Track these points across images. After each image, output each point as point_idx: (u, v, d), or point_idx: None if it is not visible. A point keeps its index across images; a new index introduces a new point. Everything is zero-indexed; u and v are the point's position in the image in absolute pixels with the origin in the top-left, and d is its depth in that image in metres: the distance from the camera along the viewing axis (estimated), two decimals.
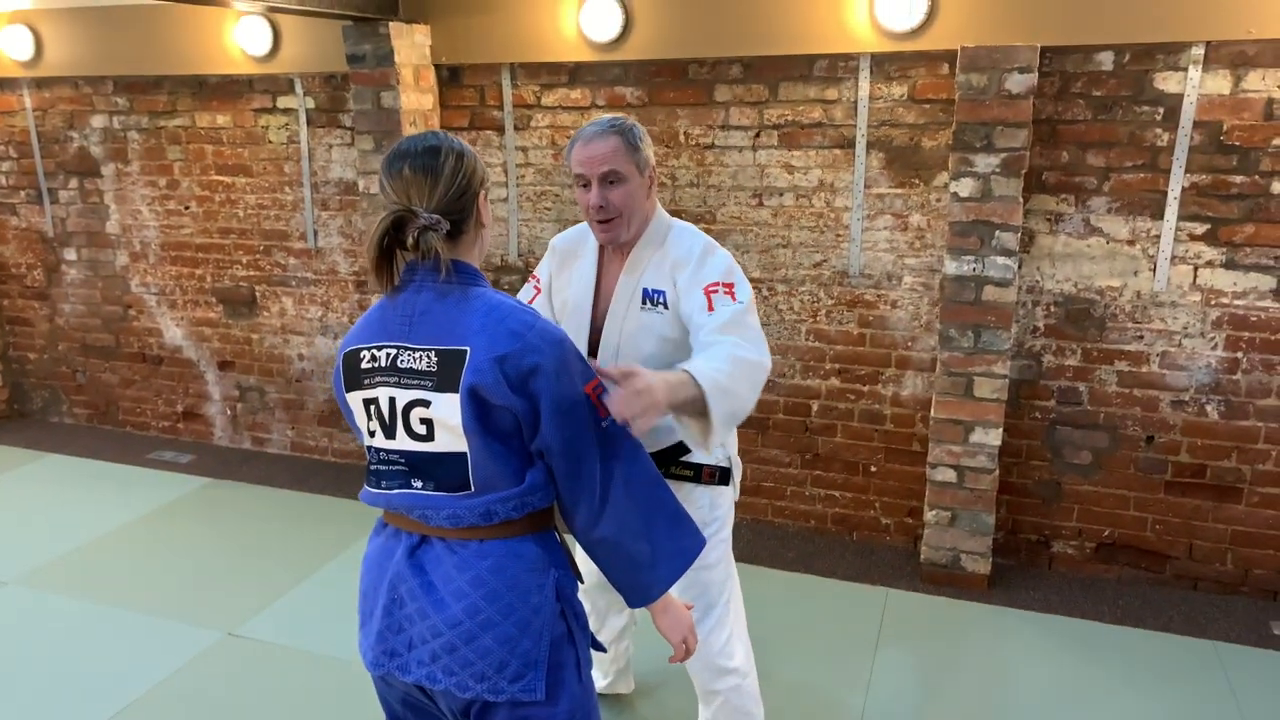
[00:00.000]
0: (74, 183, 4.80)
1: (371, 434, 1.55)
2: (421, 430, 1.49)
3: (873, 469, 3.73)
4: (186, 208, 4.60)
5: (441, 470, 1.49)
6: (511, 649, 1.46)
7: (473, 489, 1.48)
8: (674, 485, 2.00)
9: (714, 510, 2.10)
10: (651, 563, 1.56)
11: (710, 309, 1.86)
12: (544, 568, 1.52)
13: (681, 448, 2.07)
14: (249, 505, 4.15)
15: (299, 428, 4.69)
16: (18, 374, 5.29)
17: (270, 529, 3.90)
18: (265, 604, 3.31)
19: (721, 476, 2.10)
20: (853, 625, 3.19)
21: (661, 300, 1.97)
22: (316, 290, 4.47)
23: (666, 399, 1.52)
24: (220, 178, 4.49)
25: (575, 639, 1.56)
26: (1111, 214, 3.22)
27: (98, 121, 4.65)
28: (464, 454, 1.47)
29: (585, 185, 1.92)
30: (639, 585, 1.58)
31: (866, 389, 3.66)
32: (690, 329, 1.91)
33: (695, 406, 1.63)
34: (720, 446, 2.12)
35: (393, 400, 1.49)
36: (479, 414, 1.45)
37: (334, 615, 3.25)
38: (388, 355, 1.50)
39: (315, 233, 4.38)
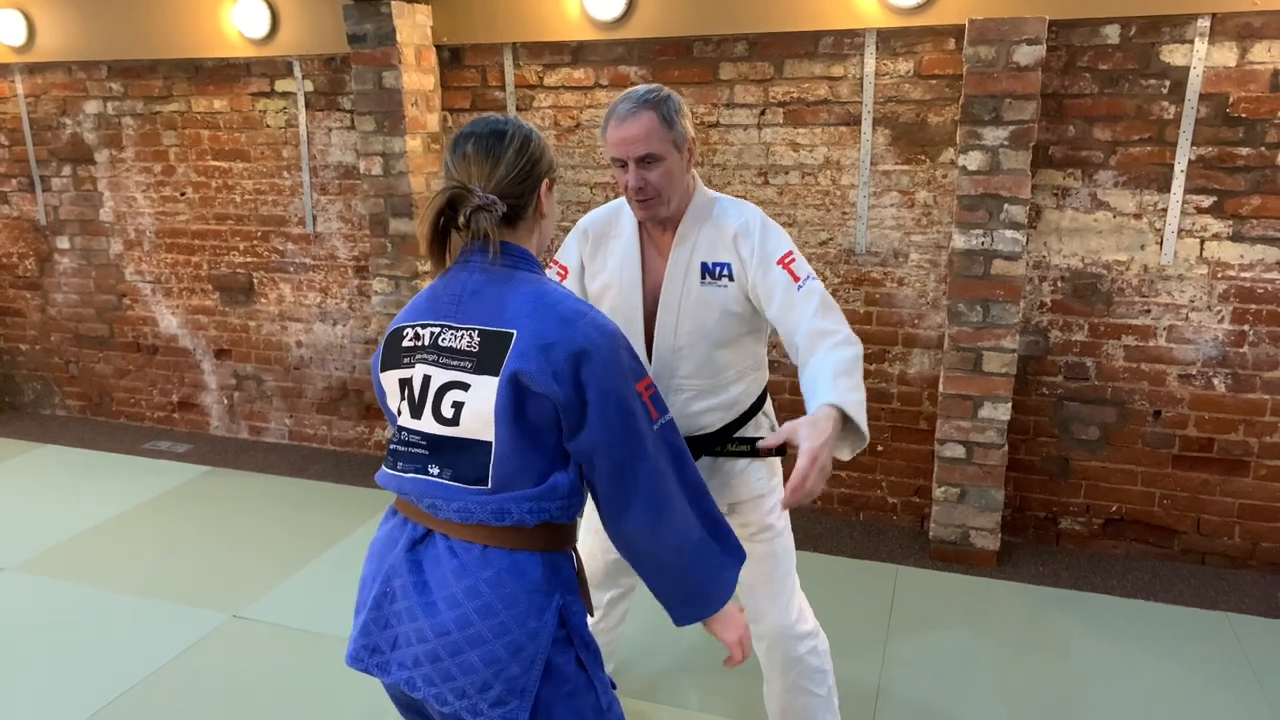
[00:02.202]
0: (67, 170, 4.74)
1: (399, 413, 1.50)
2: (449, 413, 1.42)
3: (879, 448, 3.72)
4: (182, 194, 4.55)
5: (463, 458, 1.41)
6: (497, 672, 1.36)
7: (490, 485, 1.40)
8: (730, 462, 2.03)
9: (771, 479, 2.08)
10: (710, 577, 1.50)
11: (796, 280, 1.85)
12: (549, 590, 1.41)
13: (733, 426, 2.04)
14: (249, 493, 4.10)
15: (297, 416, 4.64)
16: (9, 366, 5.22)
17: (271, 516, 3.85)
18: (269, 587, 3.27)
19: (776, 449, 2.07)
20: (864, 603, 3.17)
21: (726, 272, 1.92)
22: (315, 276, 4.43)
23: (830, 456, 1.59)
24: (217, 163, 4.44)
25: (588, 670, 1.45)
26: (1118, 188, 3.23)
27: (91, 107, 4.60)
28: (489, 444, 1.39)
29: (623, 165, 1.86)
30: (695, 600, 1.52)
31: (873, 368, 3.65)
32: (776, 303, 1.87)
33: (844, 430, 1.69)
34: (765, 416, 2.12)
35: (427, 379, 1.44)
36: (515, 402, 1.38)
37: (338, 598, 3.21)
38: (431, 334, 1.46)
39: (314, 218, 4.34)
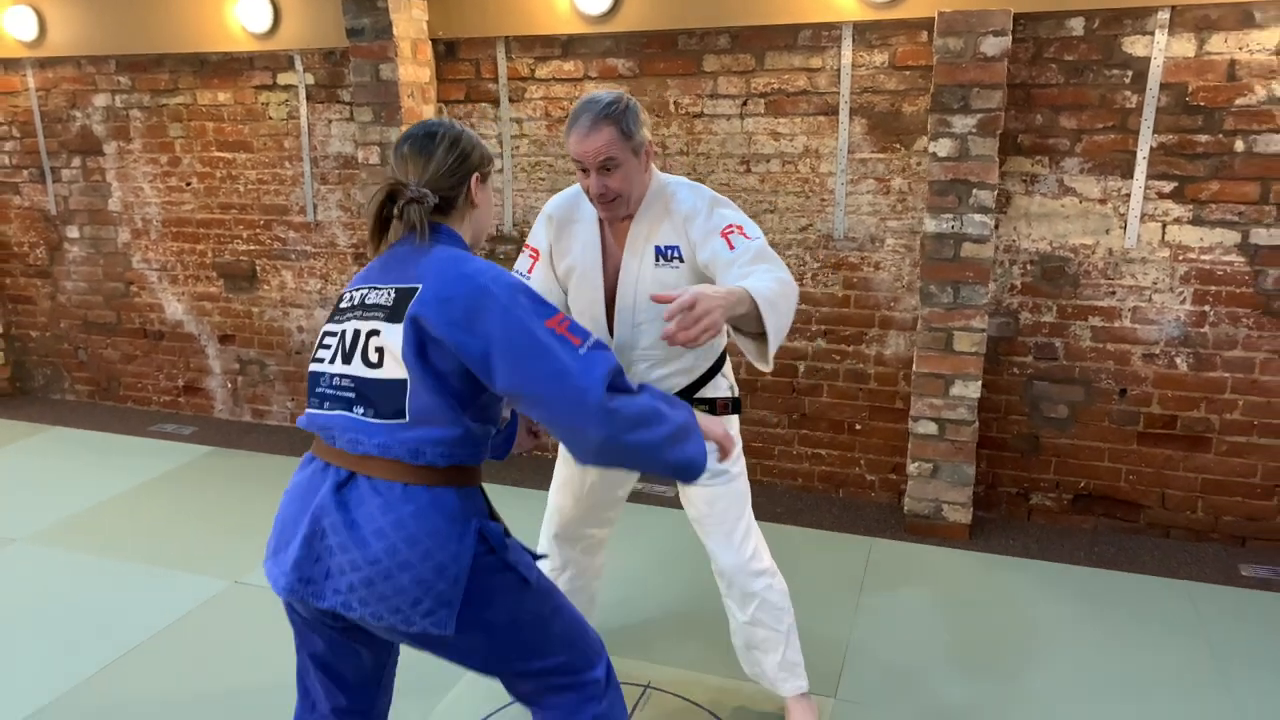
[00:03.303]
0: (76, 161, 4.90)
1: (320, 360, 1.69)
2: (374, 358, 1.61)
3: (858, 427, 3.86)
4: (188, 184, 4.71)
5: (383, 395, 1.59)
6: (426, 589, 1.53)
7: (407, 419, 1.57)
8: None
9: (730, 431, 2.23)
10: (681, 443, 1.63)
11: (732, 247, 1.99)
12: (465, 517, 1.59)
13: (692, 388, 2.20)
14: (251, 471, 4.25)
15: (299, 399, 4.79)
16: (20, 352, 5.38)
17: (272, 492, 3.96)
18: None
19: (733, 406, 2.24)
20: (837, 571, 3.31)
21: (676, 255, 2.08)
22: (316, 263, 4.58)
23: (725, 313, 1.70)
24: (221, 154, 4.60)
25: (508, 561, 1.63)
26: (1084, 174, 3.36)
27: (100, 100, 4.75)
28: (404, 380, 1.57)
29: (583, 171, 2.03)
30: (683, 470, 1.65)
31: (851, 349, 3.79)
32: (716, 270, 2.01)
33: (750, 322, 1.82)
34: (723, 377, 2.27)
35: (356, 332, 1.64)
36: (418, 344, 1.56)
37: None
38: (360, 295, 1.67)
39: (314, 206, 4.49)
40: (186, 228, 4.77)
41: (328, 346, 1.69)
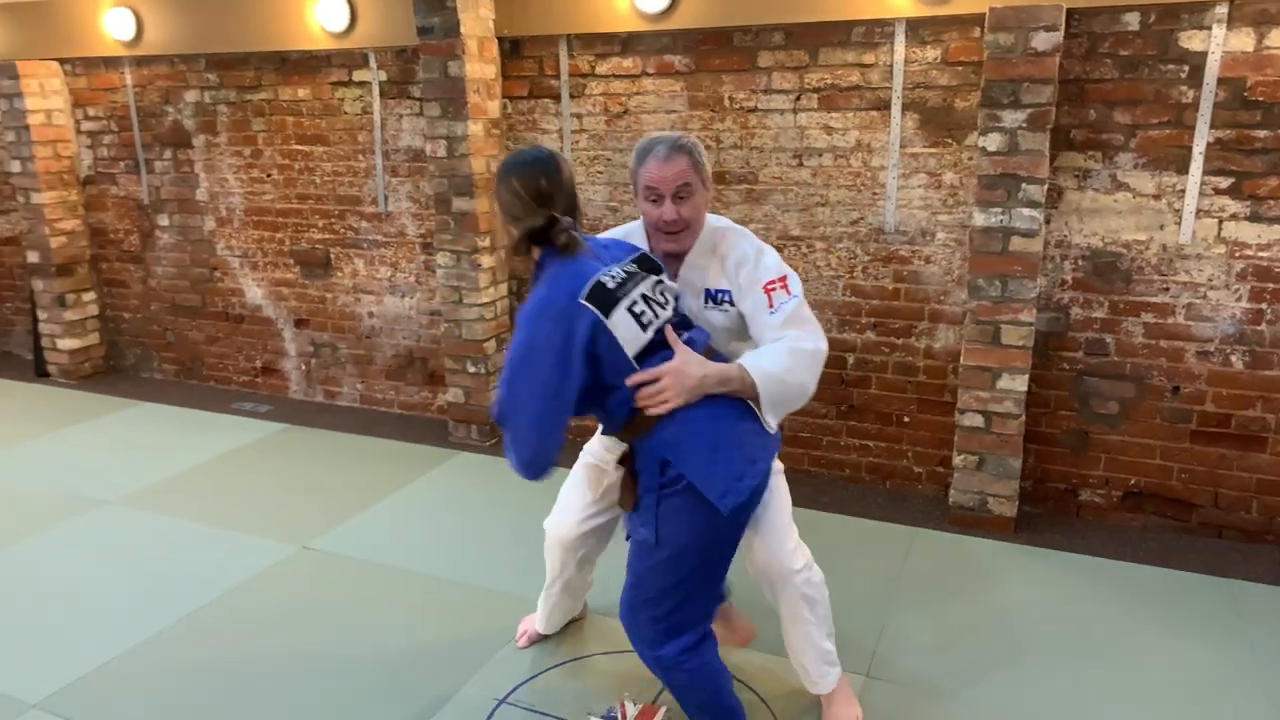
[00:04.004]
0: (168, 154, 5.21)
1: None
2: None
3: (906, 419, 3.90)
4: (268, 175, 4.97)
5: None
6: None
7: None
8: None
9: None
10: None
11: (771, 306, 2.16)
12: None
13: None
14: (321, 447, 4.49)
15: (368, 381, 5.02)
16: (114, 332, 5.74)
17: (340, 466, 4.23)
18: (336, 524, 3.63)
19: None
20: (879, 558, 3.36)
21: (727, 299, 2.24)
22: (386, 252, 4.79)
23: (688, 396, 1.98)
24: (299, 147, 4.85)
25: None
26: (1138, 169, 3.35)
27: (190, 96, 5.05)
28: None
29: (655, 200, 2.16)
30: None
31: (900, 342, 3.83)
32: (752, 323, 2.21)
33: (750, 394, 2.05)
34: None
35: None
36: None
37: (396, 535, 3.56)
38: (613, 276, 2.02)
39: (385, 197, 4.70)
40: (266, 217, 5.04)
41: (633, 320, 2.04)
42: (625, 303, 1.98)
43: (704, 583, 2.11)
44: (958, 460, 3.59)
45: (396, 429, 4.72)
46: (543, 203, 1.99)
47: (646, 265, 2.10)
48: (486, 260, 4.34)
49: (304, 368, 5.19)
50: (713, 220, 2.28)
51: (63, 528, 3.63)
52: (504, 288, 4.50)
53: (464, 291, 4.36)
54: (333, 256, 4.93)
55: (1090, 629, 2.90)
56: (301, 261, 5.03)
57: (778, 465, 2.37)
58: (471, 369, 4.45)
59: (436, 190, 4.29)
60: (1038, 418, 3.65)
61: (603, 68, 4.09)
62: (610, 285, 1.97)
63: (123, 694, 2.62)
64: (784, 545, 2.28)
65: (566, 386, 1.93)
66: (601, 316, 1.95)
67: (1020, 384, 3.44)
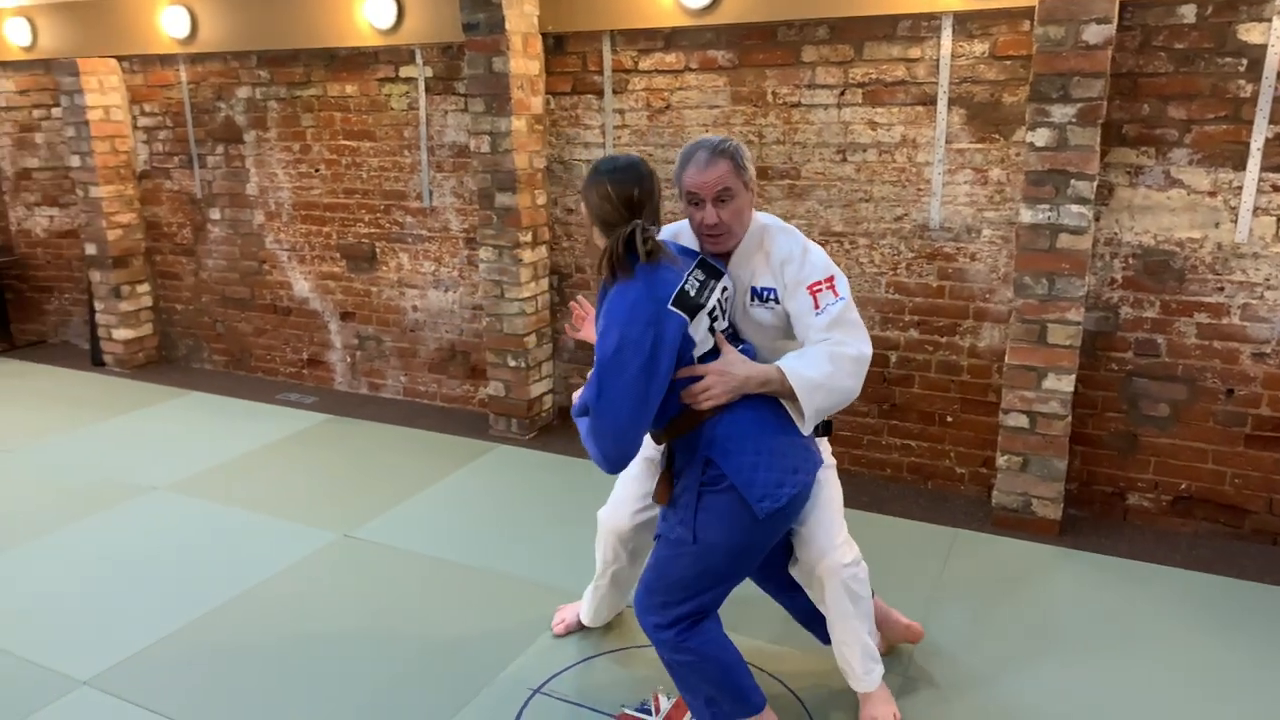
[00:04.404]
0: (220, 149, 5.32)
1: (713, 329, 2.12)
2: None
3: (949, 419, 3.84)
4: (316, 170, 5.06)
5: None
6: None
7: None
8: None
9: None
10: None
11: (817, 307, 2.16)
12: None
13: None
14: (365, 437, 4.55)
15: (411, 374, 5.08)
16: (166, 324, 5.88)
17: (383, 456, 4.29)
18: (377, 513, 3.68)
19: (823, 428, 2.34)
20: (919, 557, 3.32)
21: (772, 297, 2.24)
22: (430, 246, 4.85)
23: (731, 395, 2.04)
24: (347, 142, 4.92)
25: None
26: (1193, 166, 3.27)
27: (242, 93, 5.16)
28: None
29: (697, 204, 2.18)
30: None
31: (944, 340, 3.78)
32: (797, 324, 2.20)
33: (789, 396, 2.09)
34: None
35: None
36: None
37: (436, 525, 3.59)
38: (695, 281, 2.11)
39: (430, 193, 4.76)
40: (314, 211, 5.13)
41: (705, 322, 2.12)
42: (707, 308, 2.07)
43: (723, 580, 2.15)
44: (1001, 461, 3.54)
45: (438, 421, 4.78)
46: (633, 211, 2.04)
47: (710, 271, 2.15)
48: (528, 255, 4.37)
49: (349, 360, 5.27)
50: (760, 218, 2.28)
51: (114, 512, 3.72)
52: (545, 283, 4.53)
53: (505, 286, 4.39)
54: (378, 251, 5.00)
55: (1138, 636, 2.84)
56: (347, 255, 5.10)
57: (830, 459, 2.37)
58: (512, 363, 4.48)
59: (480, 186, 4.33)
60: (1084, 419, 3.58)
61: (646, 63, 4.09)
62: (692, 292, 2.05)
63: (167, 674, 2.68)
64: (833, 539, 2.27)
65: (654, 387, 1.99)
66: (689, 320, 2.02)
67: (1066, 384, 3.37)
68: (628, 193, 2.04)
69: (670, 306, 2.00)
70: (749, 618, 2.84)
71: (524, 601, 3.03)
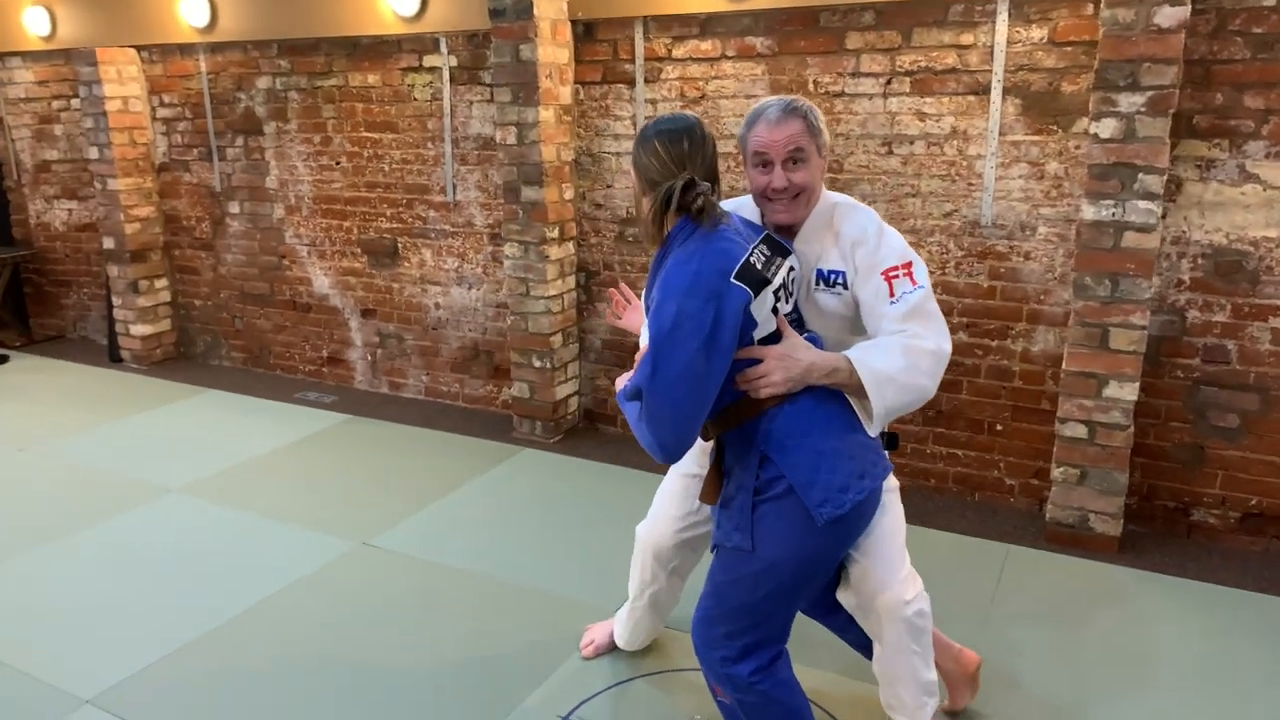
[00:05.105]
0: (240, 141, 5.19)
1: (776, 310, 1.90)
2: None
3: (998, 427, 3.63)
4: (337, 163, 4.91)
5: None
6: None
7: None
8: None
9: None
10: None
11: (892, 296, 1.92)
12: None
13: None
14: (385, 439, 4.40)
15: (433, 373, 4.93)
16: (184, 319, 5.76)
17: (403, 459, 4.13)
18: (397, 520, 3.52)
19: (887, 440, 2.12)
20: (970, 577, 3.12)
21: (840, 280, 2.00)
22: (454, 242, 4.69)
23: (793, 385, 1.83)
24: (369, 134, 4.77)
25: None
26: (1270, 159, 3.04)
27: (262, 83, 5.02)
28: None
29: (764, 166, 1.95)
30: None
31: (995, 344, 3.57)
32: (868, 314, 1.97)
33: (856, 391, 1.87)
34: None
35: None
36: None
37: (458, 533, 3.43)
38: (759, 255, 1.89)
39: (454, 186, 4.60)
40: (335, 205, 4.98)
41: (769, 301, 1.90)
42: (774, 284, 1.86)
43: (790, 601, 1.93)
44: (1057, 473, 3.32)
45: (460, 422, 4.62)
46: (682, 166, 1.84)
47: (775, 248, 1.93)
48: (555, 252, 4.20)
49: (369, 358, 5.12)
50: (830, 195, 2.06)
51: (126, 516, 3.59)
52: (571, 280, 4.35)
53: (531, 284, 4.23)
54: (400, 246, 4.85)
55: (1209, 662, 2.63)
56: (369, 251, 4.95)
57: (892, 482, 2.14)
58: (537, 363, 4.31)
59: (505, 179, 4.16)
60: (1146, 429, 3.36)
61: (680, 51, 3.91)
62: (759, 265, 1.83)
63: (174, 693, 2.53)
64: (895, 573, 2.04)
65: (715, 367, 1.77)
66: (753, 296, 1.81)
67: (1130, 392, 3.16)
68: (678, 148, 1.84)
69: (733, 280, 1.79)
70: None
71: (550, 618, 2.86)
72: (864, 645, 2.28)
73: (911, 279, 1.94)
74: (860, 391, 1.87)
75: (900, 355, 1.86)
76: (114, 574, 3.16)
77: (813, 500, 1.81)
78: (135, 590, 3.06)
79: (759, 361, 1.85)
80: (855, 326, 2.05)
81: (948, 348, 1.93)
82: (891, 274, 1.93)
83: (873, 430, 1.93)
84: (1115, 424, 3.20)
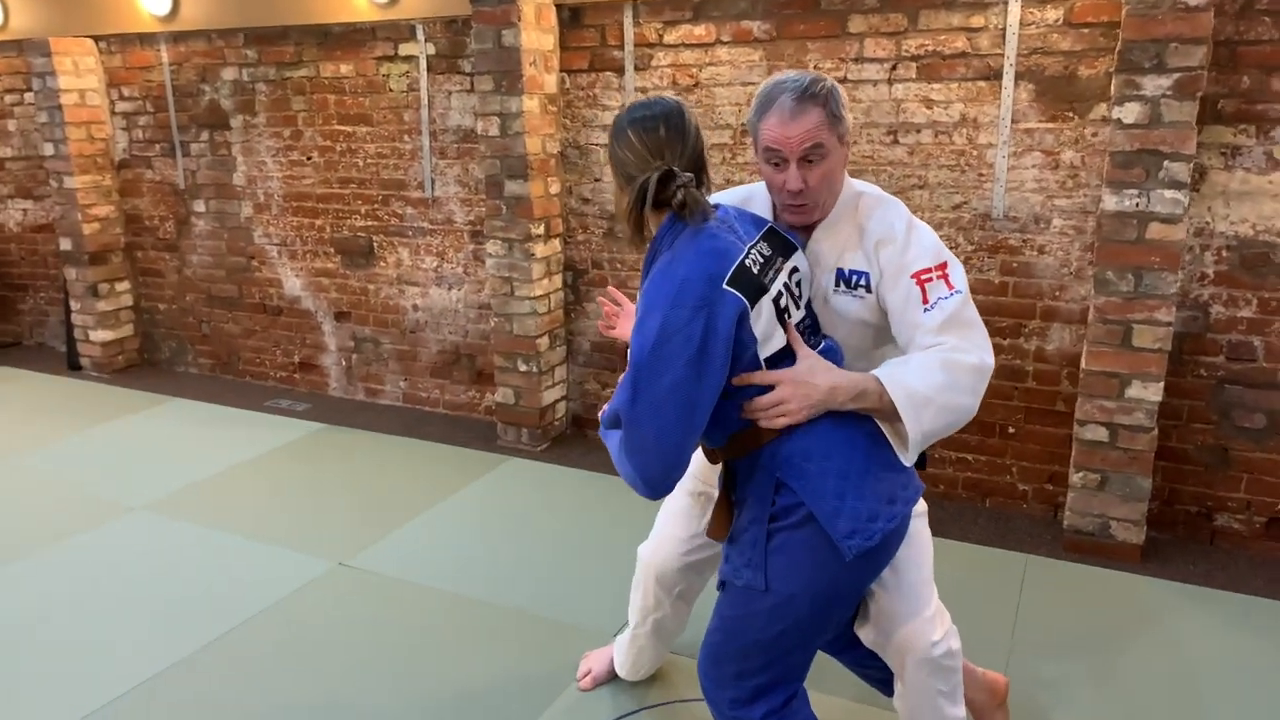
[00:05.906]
0: (205, 135, 4.93)
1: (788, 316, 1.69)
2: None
3: (1011, 430, 3.46)
4: (308, 158, 4.66)
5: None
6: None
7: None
8: None
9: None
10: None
11: (925, 302, 1.69)
12: None
13: None
14: (362, 449, 4.16)
15: (411, 379, 4.69)
16: (148, 324, 5.49)
17: (382, 472, 3.90)
18: (376, 539, 3.29)
19: (918, 460, 1.87)
20: (990, 591, 2.94)
21: (863, 283, 1.77)
22: (432, 240, 4.46)
23: (812, 413, 1.61)
24: (341, 127, 4.53)
25: None
26: None
27: (228, 74, 4.76)
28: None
29: (777, 163, 1.71)
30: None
31: (1007, 343, 3.39)
32: (897, 322, 1.74)
33: (888, 415, 1.64)
34: None
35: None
36: None
37: (440, 552, 3.21)
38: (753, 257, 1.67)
39: (432, 181, 4.37)
40: (306, 203, 4.73)
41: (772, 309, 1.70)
42: (771, 292, 1.62)
43: (809, 638, 1.71)
44: (1075, 479, 3.15)
45: (442, 430, 4.39)
46: (660, 156, 1.63)
47: (779, 245, 1.71)
48: (540, 249, 3.98)
49: (344, 363, 4.88)
50: (854, 184, 1.82)
51: (87, 537, 3.33)
52: (558, 280, 4.14)
53: (516, 283, 4.00)
54: (376, 245, 4.60)
55: (1238, 679, 2.46)
56: (343, 250, 4.70)
57: (921, 506, 1.92)
58: (523, 367, 4.09)
59: (488, 173, 3.94)
60: (1167, 431, 3.19)
61: (671, 36, 3.70)
62: (755, 269, 1.61)
63: None
64: (921, 611, 1.82)
65: (705, 388, 1.55)
66: (749, 305, 1.59)
67: (1154, 393, 2.99)
68: (654, 136, 1.63)
69: (726, 285, 1.57)
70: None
71: (543, 646, 2.65)
72: (885, 682, 2.08)
73: (947, 282, 1.69)
74: (892, 415, 1.64)
75: (939, 372, 1.63)
76: (74, 601, 2.91)
77: (839, 532, 1.59)
78: (96, 620, 2.81)
79: (770, 388, 1.62)
80: (879, 335, 1.82)
81: (990, 361, 1.68)
82: (924, 277, 1.69)
83: (908, 459, 1.69)
84: (1138, 426, 3.03)
